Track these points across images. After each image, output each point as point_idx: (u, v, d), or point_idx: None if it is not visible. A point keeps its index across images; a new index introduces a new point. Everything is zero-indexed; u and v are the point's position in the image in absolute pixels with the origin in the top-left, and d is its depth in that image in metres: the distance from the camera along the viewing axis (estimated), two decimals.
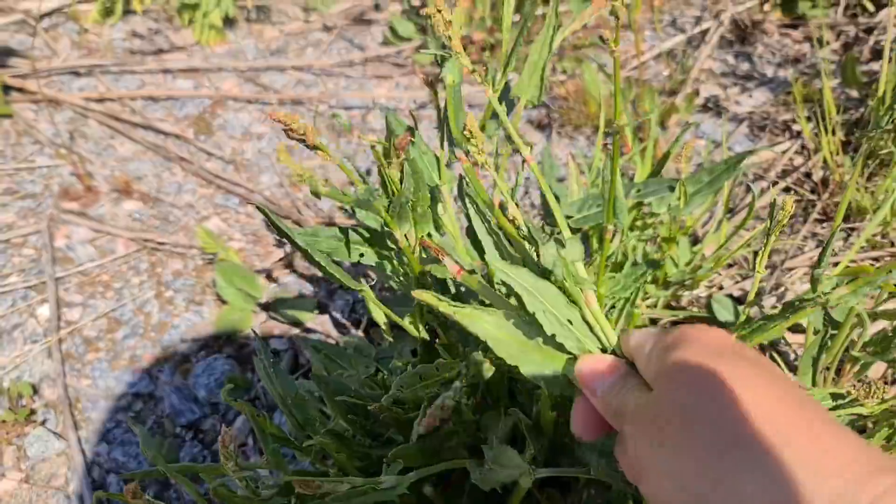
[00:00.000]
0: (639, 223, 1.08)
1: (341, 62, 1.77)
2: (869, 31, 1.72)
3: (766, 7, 1.79)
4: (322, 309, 1.25)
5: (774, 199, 0.68)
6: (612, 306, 0.96)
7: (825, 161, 1.34)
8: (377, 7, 1.91)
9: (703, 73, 1.67)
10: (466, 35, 1.69)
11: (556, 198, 1.14)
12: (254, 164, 1.54)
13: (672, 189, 0.96)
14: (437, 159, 1.03)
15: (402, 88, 1.71)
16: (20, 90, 1.68)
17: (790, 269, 1.21)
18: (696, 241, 1.27)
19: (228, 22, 1.89)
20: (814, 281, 0.69)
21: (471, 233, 1.00)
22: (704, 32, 1.76)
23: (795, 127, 1.49)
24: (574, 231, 1.03)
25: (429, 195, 0.85)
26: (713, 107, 1.60)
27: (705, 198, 1.03)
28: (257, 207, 0.62)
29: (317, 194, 0.68)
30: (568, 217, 1.03)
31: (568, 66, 1.69)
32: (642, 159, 1.18)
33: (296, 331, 1.22)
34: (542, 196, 1.15)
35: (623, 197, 0.85)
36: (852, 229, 1.27)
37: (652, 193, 0.97)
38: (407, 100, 1.66)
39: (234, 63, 1.76)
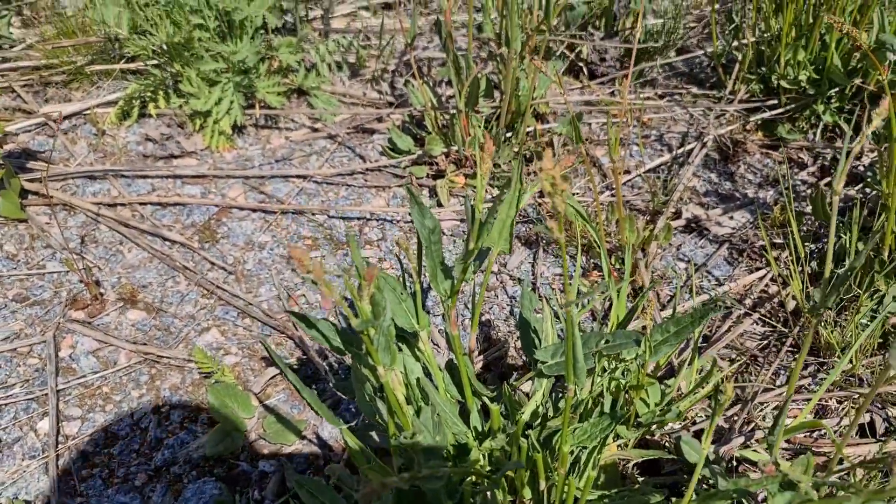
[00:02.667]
0: (609, 365, 1.14)
1: (342, 171, 1.86)
2: (847, 154, 1.79)
3: (749, 127, 1.88)
4: (312, 427, 1.30)
5: (718, 385, 0.73)
6: (578, 457, 1.01)
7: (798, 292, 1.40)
8: (379, 119, 2.01)
9: (688, 191, 1.74)
10: (452, 150, 1.78)
11: (536, 333, 1.20)
12: (254, 275, 1.61)
13: (638, 343, 1.01)
14: (415, 302, 1.10)
15: (398, 200, 1.79)
16: (36, 193, 1.78)
17: (762, 404, 1.26)
18: (671, 369, 1.32)
19: (237, 128, 1.99)
20: (769, 446, 0.74)
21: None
22: (690, 152, 1.84)
23: (774, 252, 1.56)
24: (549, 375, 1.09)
25: (393, 330, 0.91)
26: (695, 227, 1.66)
27: (672, 347, 1.09)
28: (261, 343, 0.68)
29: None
30: (542, 363, 1.09)
31: None
32: (618, 296, 1.24)
33: (286, 450, 1.27)
34: (521, 327, 1.21)
35: (582, 360, 0.91)
36: (822, 364, 1.33)
37: (618, 346, 1.02)
38: (403, 212, 1.74)
39: (241, 171, 1.85)
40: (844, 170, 0.85)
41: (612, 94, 2.05)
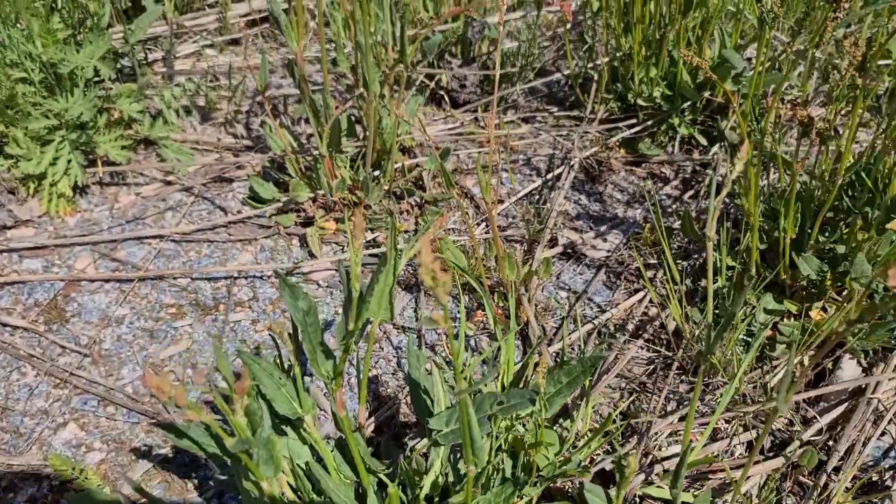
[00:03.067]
0: (505, 424, 1.10)
1: (203, 227, 1.73)
2: (704, 165, 1.86)
3: (611, 145, 1.91)
4: None
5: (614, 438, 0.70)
6: None
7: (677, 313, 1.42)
8: (239, 165, 1.90)
9: (561, 216, 1.75)
10: (320, 194, 1.70)
11: (427, 394, 1.15)
12: (113, 355, 1.47)
13: (533, 402, 0.98)
14: (296, 386, 1.02)
15: (266, 253, 1.69)
16: None
17: (657, 434, 1.26)
18: (565, 406, 1.30)
19: (79, 188, 1.82)
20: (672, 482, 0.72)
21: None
22: (559, 176, 1.85)
23: (649, 273, 1.58)
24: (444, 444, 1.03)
25: (274, 440, 0.83)
26: (571, 252, 1.67)
27: (565, 397, 1.06)
28: (157, 424, 0.58)
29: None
30: (437, 431, 1.03)
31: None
32: (507, 344, 1.21)
33: None
34: (412, 388, 1.15)
35: (480, 438, 0.86)
36: (707, 384, 1.35)
37: (513, 408, 0.98)
38: (272, 268, 1.64)
39: (88, 237, 1.69)
40: (714, 214, 0.85)
41: (476, 120, 2.04)
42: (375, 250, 1.68)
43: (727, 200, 1.74)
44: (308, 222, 1.74)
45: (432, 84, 2.06)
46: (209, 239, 1.72)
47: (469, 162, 1.93)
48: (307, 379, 1.42)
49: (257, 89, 2.01)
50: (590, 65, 1.99)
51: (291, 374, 1.00)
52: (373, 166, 1.75)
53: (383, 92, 1.62)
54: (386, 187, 1.77)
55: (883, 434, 1.24)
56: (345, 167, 1.78)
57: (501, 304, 1.52)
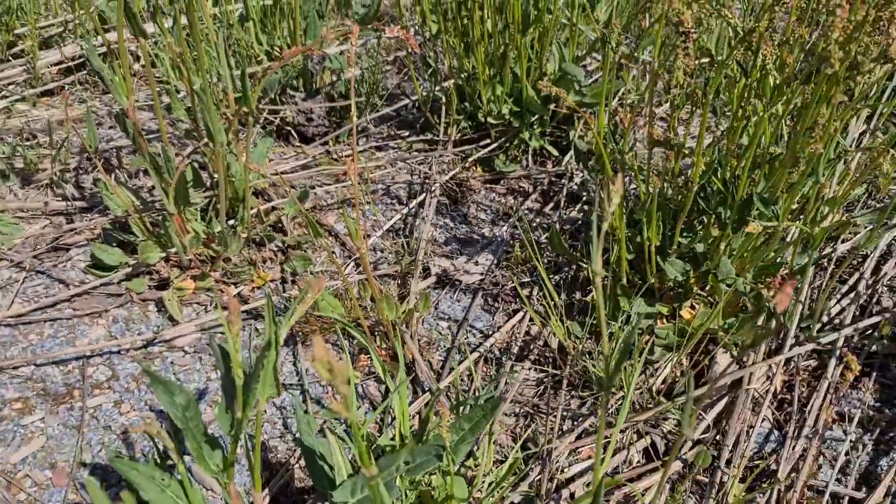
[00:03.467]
0: (409, 479, 1.06)
1: (42, 305, 1.56)
2: (559, 176, 1.90)
3: (468, 165, 1.91)
4: None
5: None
6: None
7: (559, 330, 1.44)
8: (76, 231, 1.73)
9: (430, 244, 1.72)
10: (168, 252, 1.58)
11: (324, 460, 1.08)
12: None
13: (440, 457, 0.94)
14: (183, 486, 0.93)
15: (121, 324, 1.55)
16: None
17: (557, 457, 1.26)
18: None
19: None
20: None
21: None
22: (422, 203, 1.82)
23: (525, 291, 1.59)
24: None
25: None
26: (446, 280, 1.65)
27: (469, 443, 1.03)
28: None
29: None
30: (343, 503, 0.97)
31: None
32: (399, 396, 1.16)
33: None
34: (306, 455, 1.08)
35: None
36: (595, 396, 1.37)
37: (421, 466, 0.94)
38: (131, 341, 1.50)
39: None
40: (599, 249, 0.85)
41: (328, 152, 1.98)
42: (244, 307, 1.58)
43: (586, 208, 1.79)
44: (163, 285, 1.61)
45: (277, 120, 1.98)
46: (51, 317, 1.55)
47: (327, 197, 1.87)
48: (187, 458, 1.31)
49: (85, 147, 1.84)
50: (437, 87, 1.99)
51: (175, 471, 0.91)
52: (227, 215, 1.65)
53: (229, 140, 1.53)
54: (244, 235, 1.68)
55: (763, 421, 1.31)
56: (196, 220, 1.66)
57: (384, 345, 1.47)
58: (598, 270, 0.84)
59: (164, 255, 1.63)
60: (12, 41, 2.25)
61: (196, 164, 1.72)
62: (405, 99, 2.10)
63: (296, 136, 2.01)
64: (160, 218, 1.63)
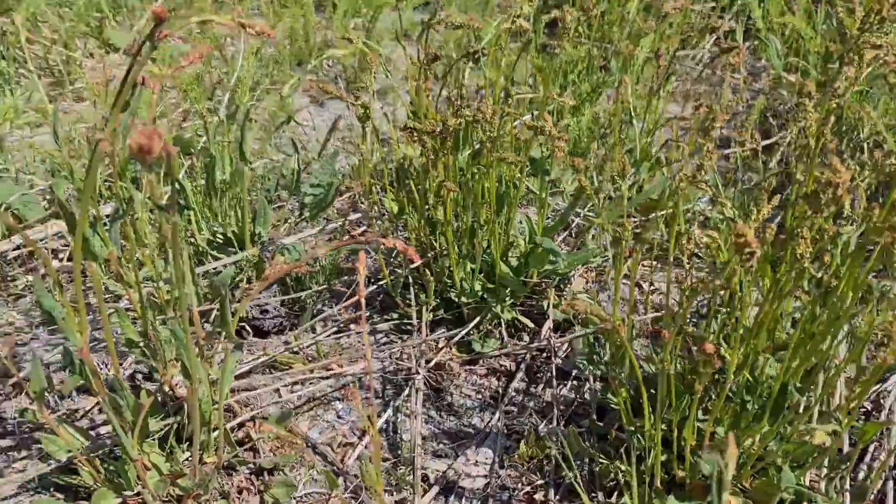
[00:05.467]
0: None
1: None
2: (540, 350, 1.81)
3: (445, 349, 1.80)
4: None
5: None
6: None
7: None
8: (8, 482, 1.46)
9: (423, 448, 1.57)
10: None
11: None
12: None
13: None
14: None
15: None
16: None
17: None
18: None
19: None
20: None
21: None
22: (407, 399, 1.68)
23: (538, 496, 1.46)
24: None
25: None
26: (449, 489, 1.49)
27: None
28: None
29: None
30: None
31: None
32: None
33: None
34: None
35: None
36: None
37: None
38: None
39: None
40: None
41: (287, 342, 1.81)
42: None
43: (576, 383, 1.71)
44: None
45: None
46: None
47: (295, 399, 1.69)
48: None
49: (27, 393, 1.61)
50: (405, 271, 1.88)
51: None
52: (188, 440, 1.45)
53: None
54: (213, 461, 1.47)
55: None
56: (155, 452, 1.45)
57: None
58: None
59: (120, 500, 1.39)
60: None
61: (149, 392, 1.52)
62: (372, 285, 1.97)
63: (250, 330, 1.84)
64: (110, 456, 1.41)
